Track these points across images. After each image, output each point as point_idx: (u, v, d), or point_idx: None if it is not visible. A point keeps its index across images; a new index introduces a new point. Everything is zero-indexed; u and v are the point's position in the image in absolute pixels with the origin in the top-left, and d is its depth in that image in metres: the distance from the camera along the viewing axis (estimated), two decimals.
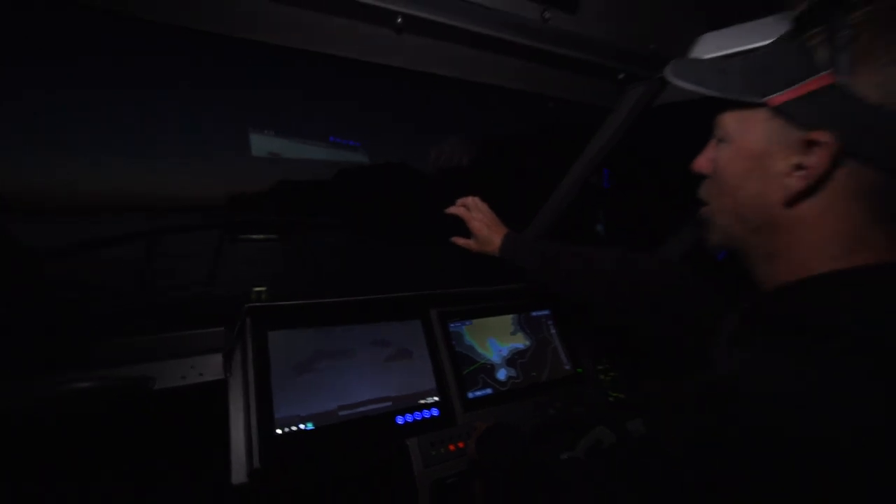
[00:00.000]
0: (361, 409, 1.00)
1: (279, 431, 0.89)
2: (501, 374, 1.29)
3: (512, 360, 1.33)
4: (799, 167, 0.46)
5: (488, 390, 1.24)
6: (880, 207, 0.44)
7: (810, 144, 0.45)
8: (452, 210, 1.19)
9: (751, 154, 0.51)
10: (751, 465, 0.37)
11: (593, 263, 0.99)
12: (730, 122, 0.53)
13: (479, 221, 1.15)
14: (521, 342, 1.39)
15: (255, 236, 2.20)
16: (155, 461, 0.86)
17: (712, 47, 0.88)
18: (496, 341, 1.34)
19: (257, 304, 0.97)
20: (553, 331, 1.47)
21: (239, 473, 0.88)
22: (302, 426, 0.92)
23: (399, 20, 0.72)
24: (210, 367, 0.98)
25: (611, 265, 0.97)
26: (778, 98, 0.47)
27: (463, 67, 0.90)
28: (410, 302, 1.21)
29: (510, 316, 1.42)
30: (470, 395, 1.21)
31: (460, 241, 1.20)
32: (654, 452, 0.48)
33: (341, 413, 0.97)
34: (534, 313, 1.46)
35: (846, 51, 0.42)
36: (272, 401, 0.91)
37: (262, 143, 1.30)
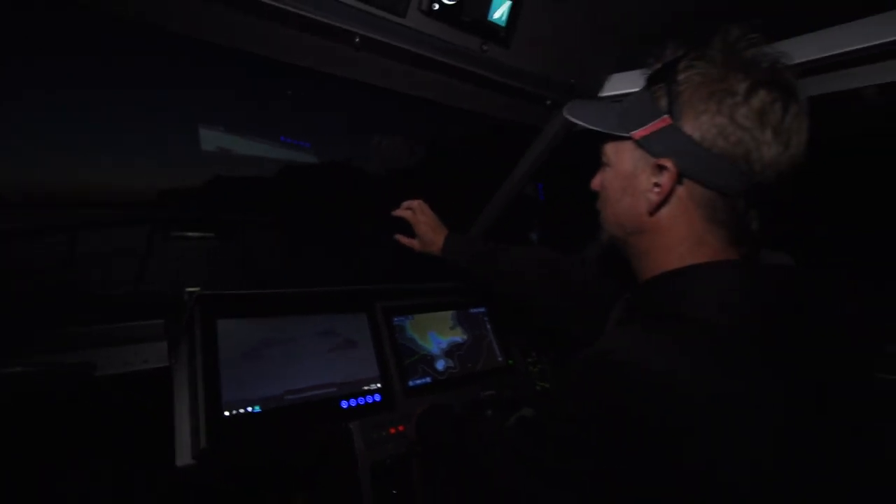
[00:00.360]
0: (307, 393, 1.06)
1: (227, 413, 0.93)
2: (440, 365, 1.40)
3: (450, 352, 1.45)
4: (656, 185, 0.61)
5: (427, 379, 1.35)
6: (713, 216, 0.60)
7: (661, 168, 0.60)
8: (398, 212, 1.30)
9: (624, 175, 0.66)
10: (615, 413, 0.50)
11: (521, 261, 1.13)
12: (609, 150, 0.69)
13: (424, 224, 1.26)
14: (459, 336, 1.51)
15: (189, 234, 2.14)
16: (98, 447, 0.87)
17: (618, 85, 1.07)
18: (436, 335, 1.46)
19: (207, 292, 1.00)
20: (488, 326, 1.61)
21: (184, 455, 0.90)
22: (249, 409, 0.96)
23: (357, 40, 0.82)
24: (154, 355, 1.00)
25: (535, 263, 1.12)
26: (638, 133, 0.62)
27: (412, 84, 1.01)
28: (357, 296, 1.29)
29: (450, 312, 1.54)
30: (410, 383, 1.30)
31: (404, 239, 1.30)
32: (550, 415, 0.61)
33: (288, 397, 1.03)
34: (471, 310, 1.59)
35: (676, 102, 0.58)
36: (220, 385, 0.95)
37: (211, 139, 1.33)
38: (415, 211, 1.28)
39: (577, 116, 0.70)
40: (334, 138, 1.87)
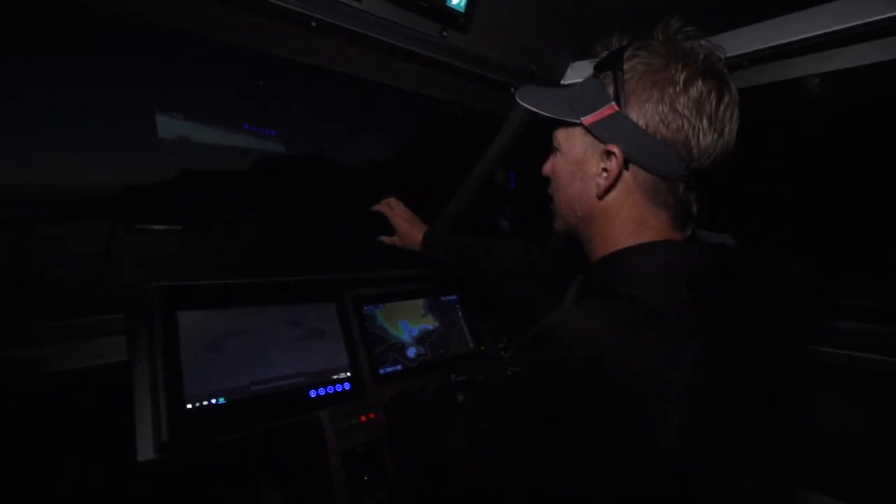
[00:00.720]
0: (275, 384, 1.06)
1: (189, 406, 0.92)
2: (411, 352, 1.41)
3: (421, 340, 1.46)
4: (604, 170, 0.64)
5: (398, 366, 1.36)
6: (656, 199, 0.63)
7: (609, 154, 0.63)
8: (377, 207, 1.34)
9: (574, 160, 0.68)
10: (556, 387, 0.53)
11: (498, 253, 1.18)
12: (560, 135, 0.71)
13: (401, 219, 1.30)
14: (430, 323, 1.52)
15: (154, 227, 2.07)
16: (55, 445, 0.84)
17: (580, 73, 1.09)
18: (407, 322, 1.46)
19: (165, 283, 0.98)
20: (460, 314, 1.62)
21: (146, 450, 0.89)
22: (213, 401, 0.95)
23: (313, 24, 0.81)
24: (112, 350, 0.97)
25: (510, 254, 1.16)
26: (587, 119, 0.65)
27: (374, 71, 1.00)
28: (324, 285, 1.28)
29: (421, 300, 1.54)
30: (381, 370, 1.31)
31: (386, 239, 1.35)
32: (502, 391, 0.64)
33: (254, 388, 1.02)
34: (442, 298, 1.61)
35: (622, 90, 0.61)
36: (182, 377, 0.93)
37: (169, 126, 1.29)
38: (391, 207, 1.32)
39: (528, 102, 0.72)
40: (302, 127, 1.84)
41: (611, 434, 0.49)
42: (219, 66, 1.35)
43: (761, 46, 0.84)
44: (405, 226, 1.29)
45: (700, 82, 0.58)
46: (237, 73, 1.44)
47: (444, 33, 0.90)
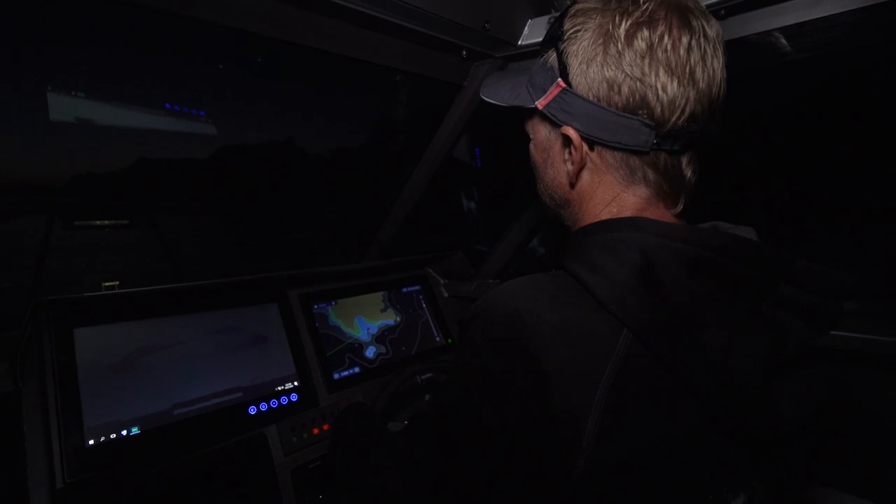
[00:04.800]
0: (203, 403, 0.91)
1: (91, 442, 0.77)
2: (370, 352, 1.29)
3: (381, 337, 1.34)
4: (569, 153, 0.55)
5: (356, 369, 1.23)
6: (631, 176, 0.53)
7: (567, 137, 0.53)
8: None
9: (542, 147, 0.61)
10: (477, 361, 0.50)
11: None
12: (527, 124, 0.63)
13: None
14: (391, 318, 1.40)
15: (98, 222, 1.85)
16: None
17: (538, 32, 0.95)
18: (364, 319, 1.33)
19: (53, 297, 0.81)
20: (424, 305, 1.50)
21: (40, 498, 0.74)
22: (123, 432, 0.81)
23: None
24: None
25: None
26: (540, 103, 0.56)
27: (311, 35, 0.85)
28: (264, 284, 1.13)
29: (380, 293, 1.41)
30: (336, 375, 1.18)
31: None
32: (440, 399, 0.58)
33: (177, 412, 0.88)
34: (404, 289, 1.48)
35: (564, 63, 0.52)
36: (81, 407, 0.78)
37: (64, 106, 1.08)
38: None
39: (490, 95, 0.67)
40: (239, 106, 1.64)
41: (515, 431, 0.46)
42: (133, 31, 1.14)
43: None
44: None
45: (646, 30, 0.47)
46: (161, 40, 1.24)
47: None
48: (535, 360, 0.44)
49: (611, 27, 0.49)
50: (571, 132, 0.53)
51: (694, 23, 0.48)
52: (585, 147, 0.53)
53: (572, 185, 0.58)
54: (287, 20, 0.79)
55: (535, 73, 0.59)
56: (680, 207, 0.55)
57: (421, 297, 1.51)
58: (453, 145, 1.31)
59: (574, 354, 0.44)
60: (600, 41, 0.49)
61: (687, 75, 0.47)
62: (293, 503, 0.98)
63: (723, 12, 0.78)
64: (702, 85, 0.48)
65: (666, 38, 0.47)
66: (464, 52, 0.99)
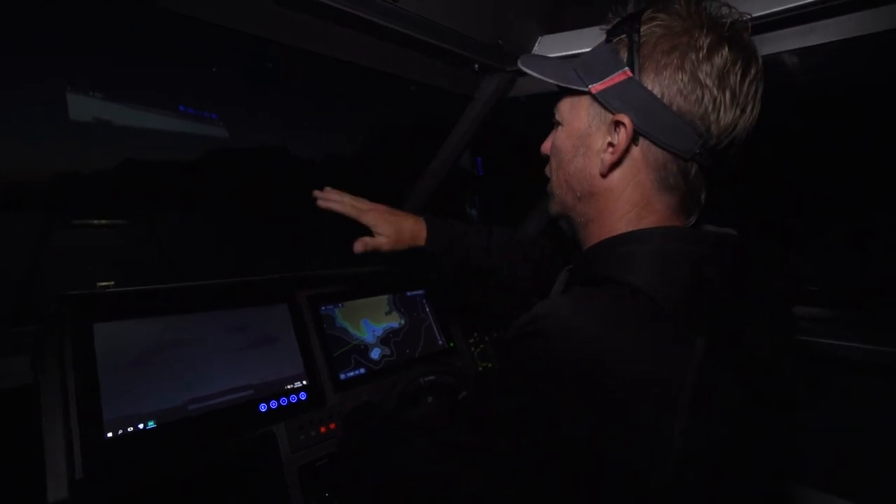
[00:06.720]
0: (216, 400, 0.93)
1: (109, 434, 0.79)
2: (375, 354, 1.31)
3: (386, 339, 1.36)
4: (610, 144, 0.57)
5: (361, 370, 1.26)
6: (664, 180, 0.57)
7: (617, 125, 0.56)
8: (325, 204, 0.99)
9: (578, 133, 0.61)
10: (537, 388, 0.46)
11: (504, 244, 1.08)
12: (564, 107, 0.64)
13: (378, 215, 0.94)
14: (395, 321, 1.42)
15: (95, 221, 1.86)
16: None
17: (549, 48, 1.00)
18: (370, 322, 1.36)
19: (75, 292, 0.83)
20: (427, 309, 1.53)
21: (57, 489, 0.76)
22: (140, 426, 0.82)
23: None
24: (12, 372, 0.83)
25: (514, 247, 1.08)
26: (596, 87, 0.57)
27: (324, 43, 0.88)
28: (275, 285, 1.16)
29: (385, 296, 1.44)
30: (342, 375, 1.21)
31: (368, 243, 0.96)
32: (474, 393, 0.56)
33: (191, 407, 0.90)
34: (409, 293, 1.51)
35: (638, 55, 0.54)
36: (100, 401, 0.80)
37: (83, 106, 1.11)
38: (355, 206, 0.97)
39: (531, 68, 0.65)
40: (250, 109, 1.67)
41: (604, 444, 0.43)
42: (152, 36, 1.17)
43: (778, 8, 0.76)
44: (391, 220, 0.94)
45: (726, 50, 0.51)
46: (177, 45, 1.27)
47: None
48: (602, 382, 0.44)
49: (696, 37, 0.52)
50: (626, 120, 0.54)
51: (759, 59, 0.53)
52: (631, 139, 0.55)
53: (603, 177, 0.59)
54: (314, 30, 0.83)
55: (593, 59, 0.60)
56: (692, 223, 0.59)
57: (424, 300, 1.54)
58: (461, 154, 1.35)
59: (647, 371, 0.44)
60: (681, 46, 0.52)
61: (744, 103, 0.52)
62: (300, 499, 1.00)
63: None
64: (748, 115, 0.53)
65: (740, 63, 0.51)
66: (476, 66, 1.04)
